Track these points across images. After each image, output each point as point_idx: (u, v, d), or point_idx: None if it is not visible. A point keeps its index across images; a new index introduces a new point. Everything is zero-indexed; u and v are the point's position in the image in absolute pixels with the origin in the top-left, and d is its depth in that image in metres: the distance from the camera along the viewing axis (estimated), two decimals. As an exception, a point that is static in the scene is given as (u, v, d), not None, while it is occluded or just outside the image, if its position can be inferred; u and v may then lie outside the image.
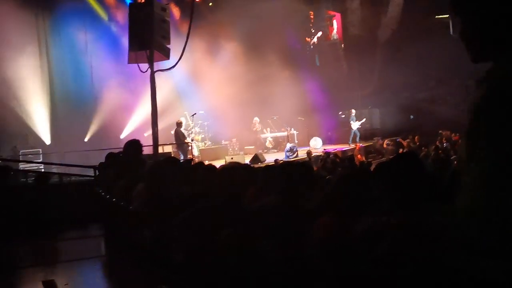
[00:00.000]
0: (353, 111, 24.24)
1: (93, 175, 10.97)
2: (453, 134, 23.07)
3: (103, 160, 8.90)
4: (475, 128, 1.84)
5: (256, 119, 21.76)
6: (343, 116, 25.29)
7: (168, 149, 18.59)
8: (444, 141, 21.29)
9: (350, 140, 23.76)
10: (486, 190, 1.73)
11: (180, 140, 17.87)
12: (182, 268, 5.28)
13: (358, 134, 24.15)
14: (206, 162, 11.54)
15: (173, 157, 13.43)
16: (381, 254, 2.87)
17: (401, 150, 19.89)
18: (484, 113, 1.82)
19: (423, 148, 19.51)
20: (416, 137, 22.64)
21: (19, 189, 9.33)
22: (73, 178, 12.45)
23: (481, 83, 1.93)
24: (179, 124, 18.22)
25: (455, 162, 12.76)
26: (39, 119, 17.74)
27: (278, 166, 5.45)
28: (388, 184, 3.11)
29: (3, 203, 8.60)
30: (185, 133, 18.68)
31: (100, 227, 8.95)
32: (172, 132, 19.07)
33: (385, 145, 23.31)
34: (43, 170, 14.23)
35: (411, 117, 29.25)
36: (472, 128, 1.85)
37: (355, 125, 23.82)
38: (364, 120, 25.00)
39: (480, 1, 1.90)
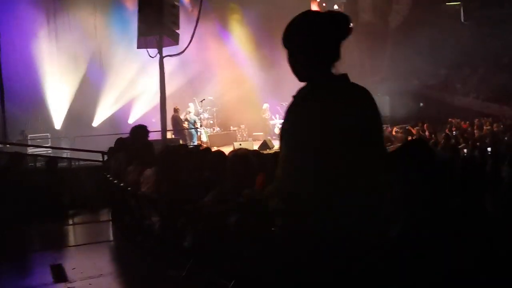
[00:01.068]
0: None
1: (101, 160, 11.00)
2: (462, 122, 22.93)
3: (111, 145, 8.92)
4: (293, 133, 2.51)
5: (266, 105, 21.70)
6: None
7: (176, 134, 18.66)
8: (454, 129, 21.17)
9: None
10: (282, 171, 2.52)
11: (178, 126, 17.95)
12: (191, 253, 5.30)
13: None
14: (214, 148, 11.56)
15: (183, 143, 13.49)
16: (391, 240, 2.87)
17: (410, 138, 19.78)
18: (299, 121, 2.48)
19: (432, 136, 19.41)
20: (426, 125, 22.50)
21: (32, 173, 9.36)
22: (81, 163, 12.49)
23: (302, 99, 2.54)
24: (176, 110, 18.27)
25: (465, 150, 12.70)
26: (49, 103, 17.81)
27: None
28: (398, 172, 3.09)
29: (19, 188, 8.66)
30: (195, 118, 18.75)
31: (109, 211, 8.98)
32: (182, 117, 19.15)
33: (394, 133, 23.17)
34: (51, 154, 14.28)
35: (421, 104, 29.10)
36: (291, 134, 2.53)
37: None
38: None
39: (296, 40, 2.56)
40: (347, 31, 2.53)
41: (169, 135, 18.28)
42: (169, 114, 18.21)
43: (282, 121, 2.63)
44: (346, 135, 2.30)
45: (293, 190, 2.39)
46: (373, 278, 2.32)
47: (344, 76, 2.54)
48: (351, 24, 2.56)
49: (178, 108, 18.42)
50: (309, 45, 2.50)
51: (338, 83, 2.51)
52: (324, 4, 28.54)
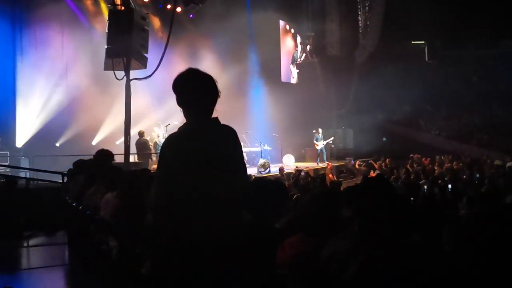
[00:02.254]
0: (320, 130, 23.88)
1: (61, 181, 10.79)
2: (423, 158, 23.34)
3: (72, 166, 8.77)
4: None
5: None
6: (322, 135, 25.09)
7: (140, 158, 18.45)
8: (415, 165, 21.52)
9: (318, 160, 23.42)
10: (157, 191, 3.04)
11: (144, 150, 17.79)
12: (149, 280, 5.20)
13: (325, 153, 23.72)
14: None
15: (146, 168, 13.35)
16: (350, 276, 2.86)
17: (372, 172, 20.03)
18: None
19: (394, 171, 19.67)
20: (388, 159, 22.85)
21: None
22: (40, 183, 12.22)
23: (183, 136, 3.24)
24: (141, 134, 18.14)
25: (425, 186, 12.90)
26: (10, 121, 17.46)
27: (250, 181, 5.41)
28: (358, 208, 3.11)
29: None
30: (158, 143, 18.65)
31: (65, 234, 8.79)
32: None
33: (357, 166, 23.44)
34: (9, 174, 13.94)
35: (384, 139, 29.58)
36: None
37: (320, 144, 23.58)
38: (331, 139, 24.66)
39: (178, 95, 3.27)
40: (218, 92, 3.35)
41: (132, 158, 18.09)
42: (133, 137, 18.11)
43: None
44: (217, 162, 3.01)
45: (166, 206, 3.01)
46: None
47: (216, 119, 3.31)
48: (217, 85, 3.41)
49: (143, 132, 18.28)
50: (187, 100, 3.25)
51: (212, 125, 3.25)
52: (292, 34, 28.96)
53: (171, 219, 3.00)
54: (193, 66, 3.16)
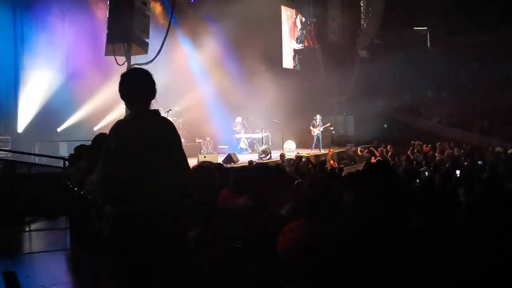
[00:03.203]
0: (318, 116, 23.65)
1: (62, 166, 10.79)
2: (424, 145, 23.34)
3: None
4: None
5: (239, 118, 21.75)
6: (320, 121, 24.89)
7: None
8: (416, 152, 21.53)
9: (318, 145, 23.28)
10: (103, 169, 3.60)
11: None
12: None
13: (321, 139, 23.42)
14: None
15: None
16: (350, 260, 2.88)
17: (373, 159, 20.05)
18: None
19: (395, 158, 19.70)
20: (389, 146, 22.86)
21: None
22: (41, 169, 12.22)
23: (128, 123, 3.76)
24: None
25: (426, 173, 12.92)
26: (11, 107, 17.45)
27: (251, 167, 5.43)
28: (360, 192, 3.11)
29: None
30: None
31: (67, 220, 8.81)
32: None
33: (359, 152, 23.45)
34: (11, 158, 13.94)
35: (385, 126, 29.55)
36: None
37: (316, 130, 23.28)
38: (328, 124, 24.36)
39: (121, 90, 3.76)
40: (154, 87, 3.83)
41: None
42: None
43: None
44: (155, 146, 3.58)
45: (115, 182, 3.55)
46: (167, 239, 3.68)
47: (157, 111, 3.84)
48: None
49: None
50: (128, 94, 3.76)
51: (152, 116, 3.76)
52: (294, 20, 28.84)
53: (114, 195, 3.57)
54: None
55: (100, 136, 7.60)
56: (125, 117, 3.86)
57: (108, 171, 3.58)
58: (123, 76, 3.80)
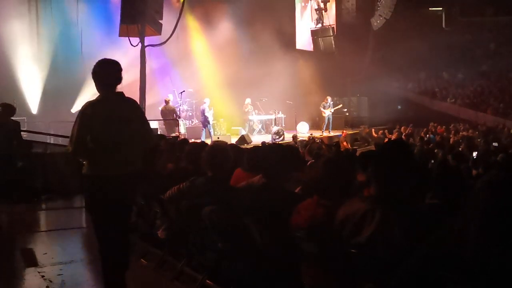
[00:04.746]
0: (329, 98, 23.26)
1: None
2: (439, 126, 23.21)
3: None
4: None
5: (248, 100, 21.69)
6: (331, 102, 24.57)
7: (154, 125, 18.51)
8: (430, 133, 21.42)
9: (324, 127, 22.90)
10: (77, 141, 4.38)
11: (168, 117, 17.89)
12: (164, 243, 5.30)
13: (331, 121, 23.04)
14: (192, 141, 11.52)
15: (161, 134, 13.43)
16: (365, 239, 2.89)
17: (386, 140, 19.98)
18: None
19: (410, 138, 19.61)
20: (403, 127, 22.74)
21: (11, 157, 9.24)
22: (57, 149, 12.32)
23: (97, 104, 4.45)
24: (167, 102, 18.27)
25: (439, 154, 12.85)
26: (27, 88, 17.56)
27: (265, 147, 5.45)
28: (375, 170, 3.12)
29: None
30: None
31: (82, 198, 8.89)
32: (160, 108, 19.04)
33: (374, 133, 23.35)
34: (27, 139, 14.06)
35: (399, 107, 29.37)
36: None
37: (327, 112, 22.89)
38: (339, 106, 24.07)
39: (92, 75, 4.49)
40: (120, 74, 4.57)
41: (156, 125, 18.24)
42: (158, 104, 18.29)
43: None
44: (121, 122, 4.32)
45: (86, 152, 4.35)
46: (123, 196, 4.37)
47: (121, 93, 4.55)
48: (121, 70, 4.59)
49: (169, 100, 18.43)
50: (98, 81, 4.46)
51: (117, 96, 4.51)
52: (308, 2, 28.61)
53: (86, 157, 4.39)
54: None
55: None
56: (95, 98, 4.53)
57: (80, 135, 4.29)
58: (95, 66, 4.51)
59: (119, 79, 4.56)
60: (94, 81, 4.51)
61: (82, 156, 4.45)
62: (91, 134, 4.30)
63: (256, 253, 3.74)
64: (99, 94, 4.52)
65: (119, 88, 4.58)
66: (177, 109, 18.83)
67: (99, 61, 4.59)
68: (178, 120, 18.19)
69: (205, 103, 18.79)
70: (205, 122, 18.59)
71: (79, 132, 4.32)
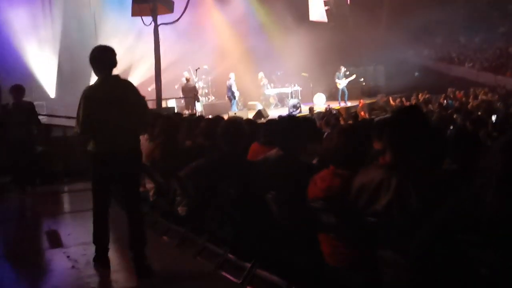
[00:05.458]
0: (342, 68, 22.96)
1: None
2: (457, 92, 22.93)
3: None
4: None
5: (261, 74, 21.60)
6: (347, 72, 24.25)
7: (171, 103, 18.59)
8: (449, 99, 21.20)
9: (339, 98, 22.71)
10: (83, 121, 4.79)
11: (188, 94, 18.02)
12: (185, 220, 5.35)
13: (346, 93, 22.81)
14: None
15: (178, 112, 13.48)
16: (382, 207, 2.89)
17: (404, 107, 19.83)
18: None
19: (429, 105, 19.42)
20: (420, 94, 22.52)
21: (31, 141, 9.32)
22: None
23: (98, 87, 4.92)
24: (188, 80, 18.42)
25: (458, 119, 12.73)
26: (43, 72, 17.67)
27: (280, 120, 5.44)
28: (391, 138, 3.10)
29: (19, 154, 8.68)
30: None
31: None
32: (176, 86, 19.12)
33: (391, 101, 23.16)
34: (46, 123, 14.21)
35: (416, 74, 29.02)
36: None
37: (342, 82, 22.64)
38: (353, 77, 23.54)
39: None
40: (115, 58, 4.95)
41: (173, 103, 18.38)
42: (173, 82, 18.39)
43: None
44: (119, 103, 4.74)
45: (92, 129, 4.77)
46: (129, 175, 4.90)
47: (117, 76, 4.97)
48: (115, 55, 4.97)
49: (189, 78, 18.62)
50: (95, 66, 4.91)
51: (114, 79, 4.93)
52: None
53: (92, 135, 4.79)
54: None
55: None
56: (94, 83, 4.96)
57: (86, 114, 4.70)
58: (91, 52, 4.96)
59: (114, 63, 4.95)
60: (92, 66, 4.95)
61: (90, 134, 4.82)
62: (93, 115, 4.72)
63: (274, 226, 3.77)
64: (97, 78, 4.96)
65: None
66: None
67: (95, 47, 5.04)
68: (198, 97, 18.40)
69: (230, 78, 19.01)
70: (231, 97, 19.22)
71: (84, 113, 4.73)
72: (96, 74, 4.99)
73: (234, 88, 19.00)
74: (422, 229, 2.70)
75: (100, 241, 4.95)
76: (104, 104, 4.73)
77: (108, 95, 4.77)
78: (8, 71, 13.65)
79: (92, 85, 5.00)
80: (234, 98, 19.07)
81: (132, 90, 5.01)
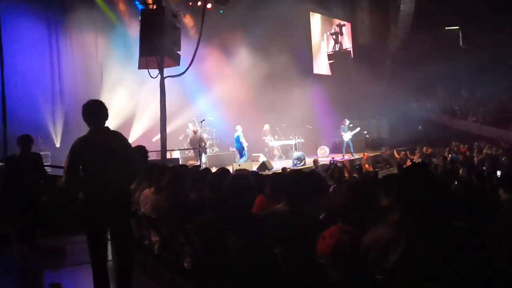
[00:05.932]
0: (347, 121, 22.81)
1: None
2: (461, 146, 22.99)
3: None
4: None
5: (267, 126, 21.74)
6: (351, 125, 24.37)
7: (175, 154, 18.67)
8: (453, 152, 21.23)
9: (343, 151, 22.53)
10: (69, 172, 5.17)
11: (196, 146, 18.16)
12: (190, 274, 5.29)
13: (351, 145, 22.70)
14: (213, 169, 11.57)
15: (184, 164, 13.53)
16: (391, 264, 2.87)
17: (409, 161, 19.85)
18: None
19: (434, 159, 19.44)
20: (424, 148, 22.57)
21: (37, 192, 9.29)
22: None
23: (89, 138, 5.29)
24: (195, 132, 18.59)
25: (463, 174, 12.73)
26: (49, 122, 17.82)
27: (286, 173, 5.46)
28: (398, 195, 3.11)
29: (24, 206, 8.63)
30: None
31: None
32: (181, 137, 19.27)
33: (396, 154, 23.18)
34: (51, 173, 14.23)
35: (419, 127, 29.18)
36: None
37: (347, 135, 22.42)
38: (357, 129, 23.29)
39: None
40: (106, 112, 5.36)
41: (177, 154, 18.50)
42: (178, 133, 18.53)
43: None
44: (109, 153, 5.12)
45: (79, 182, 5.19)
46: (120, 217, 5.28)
47: (107, 127, 5.33)
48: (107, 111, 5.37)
49: (197, 130, 18.81)
50: (87, 119, 5.27)
51: (105, 131, 5.29)
52: (323, 24, 28.78)
53: (78, 185, 5.17)
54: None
55: (136, 148, 7.79)
56: (84, 134, 5.27)
57: (72, 166, 5.06)
58: (84, 106, 5.30)
59: (105, 116, 5.32)
60: (84, 120, 5.28)
61: (74, 184, 5.20)
62: (82, 164, 5.09)
63: (282, 281, 3.73)
64: (88, 129, 5.27)
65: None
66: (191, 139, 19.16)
67: (88, 102, 5.37)
68: (206, 149, 18.58)
69: (237, 130, 19.18)
70: (241, 148, 19.38)
71: (70, 164, 5.06)
72: (89, 126, 5.28)
73: (242, 140, 19.20)
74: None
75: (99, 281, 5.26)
76: (92, 154, 5.07)
77: (97, 145, 5.10)
78: (16, 121, 13.75)
79: (81, 137, 5.28)
80: (244, 149, 19.24)
81: (121, 141, 5.35)
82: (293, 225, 3.94)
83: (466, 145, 22.85)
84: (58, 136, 18.06)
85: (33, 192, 8.62)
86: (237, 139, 19.27)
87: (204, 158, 18.64)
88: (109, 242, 5.61)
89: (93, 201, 5.09)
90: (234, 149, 20.13)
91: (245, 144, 19.39)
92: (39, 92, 17.40)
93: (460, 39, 36.10)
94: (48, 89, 17.91)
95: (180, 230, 5.20)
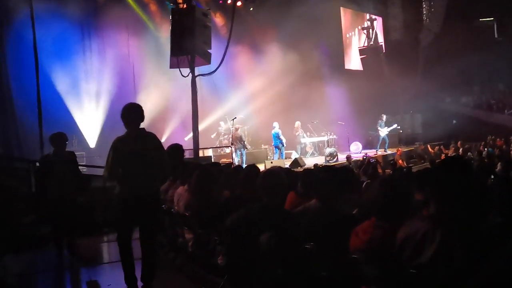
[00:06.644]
0: (384, 116, 22.86)
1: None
2: (497, 139, 22.54)
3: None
4: None
5: (298, 123, 21.66)
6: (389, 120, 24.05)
7: (208, 153, 18.76)
8: (489, 146, 20.84)
9: (378, 146, 22.48)
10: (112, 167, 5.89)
11: (238, 142, 18.26)
12: (224, 271, 5.31)
13: (387, 141, 22.56)
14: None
15: (215, 162, 13.57)
16: (426, 259, 2.84)
17: (443, 156, 19.55)
18: None
19: (469, 153, 19.13)
20: (459, 142, 22.20)
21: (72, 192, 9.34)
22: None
23: (126, 139, 5.89)
24: (237, 129, 18.67)
25: (500, 168, 12.47)
26: (84, 123, 18.09)
27: (318, 170, 5.43)
28: (434, 190, 3.06)
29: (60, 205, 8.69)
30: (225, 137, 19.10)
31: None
32: (213, 136, 19.35)
33: (430, 149, 22.86)
34: (86, 173, 14.42)
35: (454, 122, 28.72)
36: None
37: (383, 131, 22.35)
38: (394, 126, 23.36)
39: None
40: (143, 114, 5.93)
41: (210, 152, 18.61)
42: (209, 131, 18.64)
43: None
44: (142, 154, 5.69)
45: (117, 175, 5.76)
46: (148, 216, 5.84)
47: (143, 129, 5.88)
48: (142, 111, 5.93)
49: (239, 127, 18.93)
50: (125, 121, 5.81)
51: (141, 132, 5.85)
52: (355, 19, 28.54)
53: (118, 180, 5.75)
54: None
55: (171, 147, 7.88)
56: (122, 135, 5.81)
57: (114, 164, 5.62)
58: (123, 109, 5.80)
59: (141, 119, 5.83)
60: (122, 120, 5.79)
61: (115, 179, 5.76)
62: (120, 163, 5.62)
63: (315, 278, 3.72)
64: (126, 130, 5.80)
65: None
66: (230, 136, 19.13)
67: (126, 105, 5.87)
68: (246, 146, 18.66)
69: (274, 127, 19.13)
70: (280, 145, 19.18)
71: (112, 160, 5.63)
72: (126, 127, 5.80)
73: (281, 136, 19.11)
74: (468, 285, 2.63)
75: (126, 268, 5.86)
76: (128, 154, 5.62)
77: (133, 146, 5.66)
78: (51, 122, 13.97)
79: (120, 137, 5.83)
80: (283, 146, 19.13)
81: (154, 143, 5.89)
82: (325, 221, 3.92)
83: (503, 139, 22.41)
84: (92, 137, 18.32)
85: (68, 192, 8.63)
86: (276, 136, 19.13)
87: (236, 155, 18.67)
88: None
89: (126, 196, 5.64)
90: (272, 146, 20.03)
91: (284, 141, 19.30)
92: (73, 93, 17.66)
93: (495, 31, 35.34)
94: (82, 90, 18.16)
95: (213, 228, 5.22)
